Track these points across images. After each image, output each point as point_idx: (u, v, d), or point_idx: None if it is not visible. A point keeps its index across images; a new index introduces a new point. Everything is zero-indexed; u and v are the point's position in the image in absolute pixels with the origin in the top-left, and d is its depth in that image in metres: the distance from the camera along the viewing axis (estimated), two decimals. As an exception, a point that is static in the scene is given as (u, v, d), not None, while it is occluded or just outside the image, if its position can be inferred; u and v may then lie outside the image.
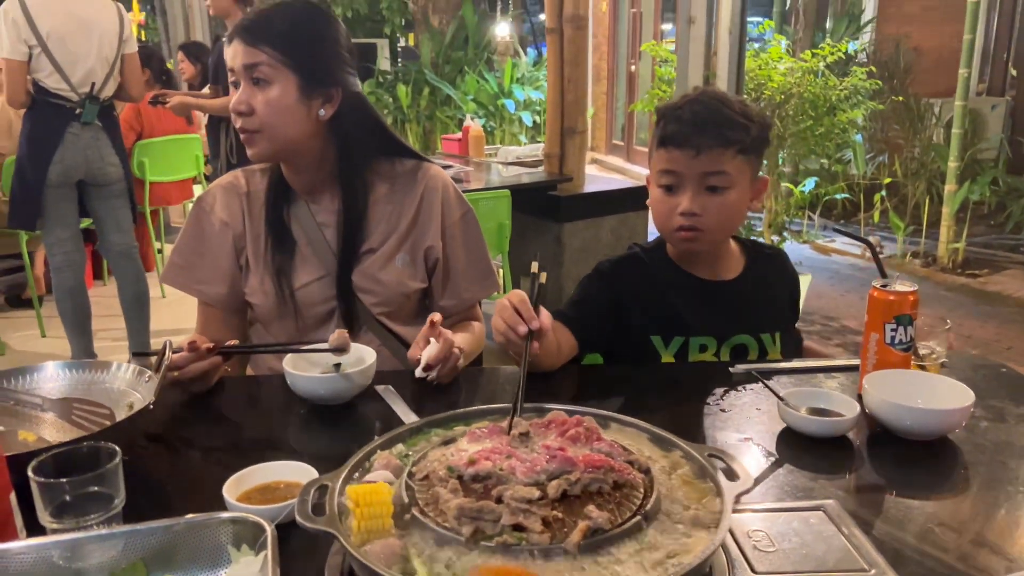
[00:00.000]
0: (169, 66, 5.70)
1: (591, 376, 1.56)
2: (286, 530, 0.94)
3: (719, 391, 1.38)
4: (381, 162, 1.68)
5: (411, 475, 0.92)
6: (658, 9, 9.82)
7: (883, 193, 6.72)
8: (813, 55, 5.31)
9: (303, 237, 1.63)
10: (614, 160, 10.56)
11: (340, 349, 1.36)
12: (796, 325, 1.73)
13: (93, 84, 3.43)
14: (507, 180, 4.15)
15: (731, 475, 0.92)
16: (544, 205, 4.11)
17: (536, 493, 0.85)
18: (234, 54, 1.52)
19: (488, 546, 0.80)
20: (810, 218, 6.86)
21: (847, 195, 6.91)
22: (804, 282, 4.96)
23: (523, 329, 1.22)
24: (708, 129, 1.46)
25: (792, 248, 5.97)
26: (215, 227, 1.64)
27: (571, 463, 0.89)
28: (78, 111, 3.43)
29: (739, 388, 1.39)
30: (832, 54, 5.29)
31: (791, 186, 5.89)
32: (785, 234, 6.13)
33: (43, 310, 4.54)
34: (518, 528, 0.81)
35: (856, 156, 7.00)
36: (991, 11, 8.55)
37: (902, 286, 1.31)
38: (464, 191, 1.98)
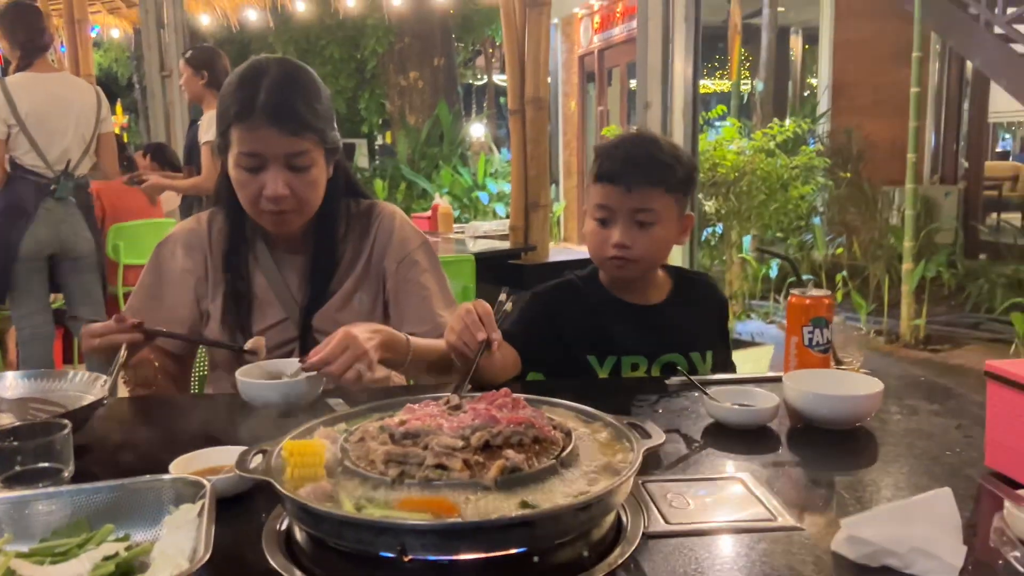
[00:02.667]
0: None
1: (534, 389, 1.61)
2: (227, 504, 0.98)
3: (654, 397, 1.45)
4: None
5: (347, 440, 0.98)
6: (624, 107, 10.25)
7: (844, 274, 6.93)
8: (764, 135, 5.60)
9: (263, 282, 1.65)
10: (584, 251, 10.79)
11: (253, 352, 1.41)
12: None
13: (68, 161, 3.55)
14: (474, 252, 4.25)
15: (645, 435, 1.00)
16: (509, 274, 4.25)
17: (460, 443, 0.92)
18: (266, 142, 1.48)
19: (412, 483, 0.86)
20: (776, 300, 7.04)
21: (811, 276, 7.10)
22: (767, 352, 4.96)
23: (481, 336, 1.31)
24: (639, 168, 1.58)
25: (758, 327, 6.11)
26: (176, 273, 1.65)
27: (495, 420, 0.96)
28: (53, 187, 3.53)
29: (673, 395, 1.47)
30: (781, 133, 5.58)
31: (750, 259, 6.07)
32: (752, 315, 6.28)
33: (10, 391, 4.52)
34: (440, 468, 0.87)
35: (817, 239, 7.26)
36: (939, 104, 9.05)
37: (817, 291, 1.40)
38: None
